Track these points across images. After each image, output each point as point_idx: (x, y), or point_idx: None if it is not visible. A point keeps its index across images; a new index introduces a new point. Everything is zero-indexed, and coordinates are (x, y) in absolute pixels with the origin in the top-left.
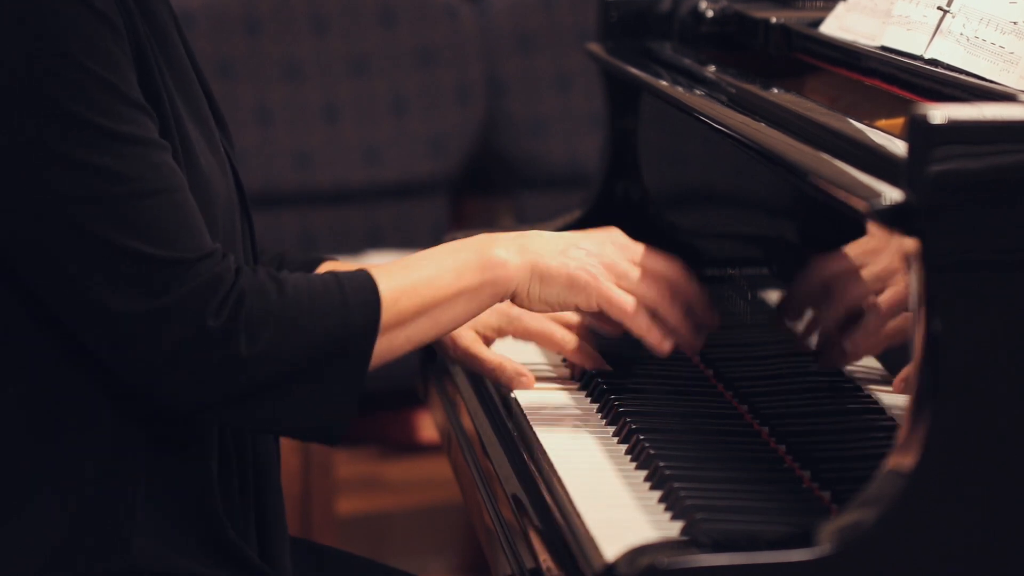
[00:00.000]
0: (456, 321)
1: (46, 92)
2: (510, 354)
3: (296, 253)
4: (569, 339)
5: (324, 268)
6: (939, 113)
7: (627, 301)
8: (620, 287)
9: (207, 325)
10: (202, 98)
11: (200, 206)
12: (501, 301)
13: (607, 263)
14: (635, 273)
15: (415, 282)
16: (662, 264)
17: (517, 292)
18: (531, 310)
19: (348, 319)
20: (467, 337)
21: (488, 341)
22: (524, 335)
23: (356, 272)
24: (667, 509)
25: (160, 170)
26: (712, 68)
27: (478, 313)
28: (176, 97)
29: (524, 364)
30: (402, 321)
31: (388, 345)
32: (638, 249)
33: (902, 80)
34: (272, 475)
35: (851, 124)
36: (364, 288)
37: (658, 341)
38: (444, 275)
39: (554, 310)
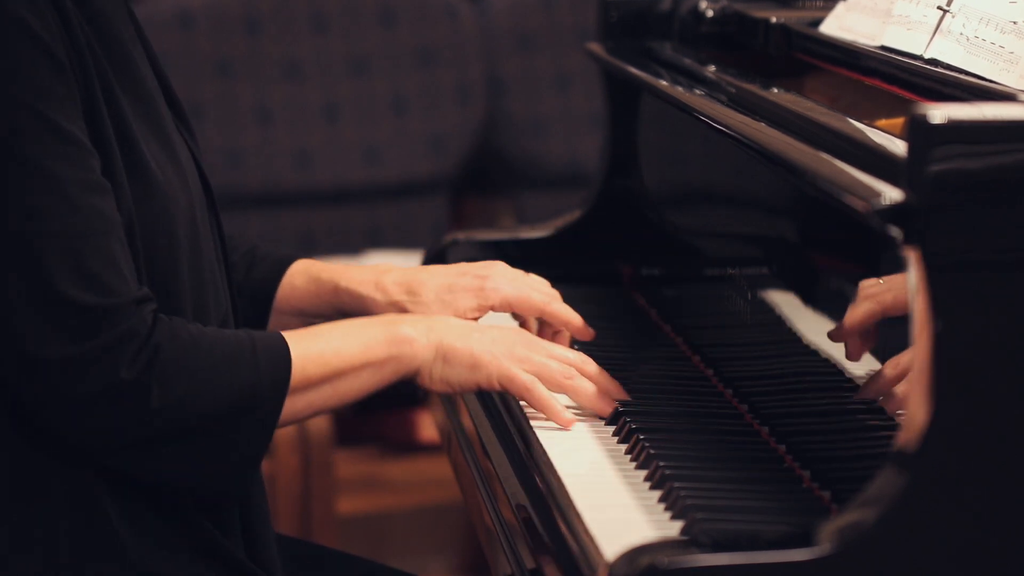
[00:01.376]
0: (356, 393)
1: None
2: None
3: (268, 249)
4: (550, 297)
5: (294, 271)
6: (939, 113)
7: (526, 378)
8: (523, 369)
9: (120, 377)
10: (158, 106)
11: (157, 223)
12: (403, 379)
13: (508, 347)
14: (537, 357)
15: (324, 350)
16: (566, 356)
17: (420, 370)
18: (432, 390)
19: (258, 379)
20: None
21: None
22: (503, 306)
23: (270, 333)
24: (667, 509)
25: (86, 213)
26: (712, 68)
27: (380, 387)
28: (128, 110)
29: None
30: (307, 386)
31: (291, 408)
32: (543, 342)
33: (902, 80)
34: (255, 476)
35: (851, 124)
36: (277, 350)
37: (558, 416)
38: (352, 347)
39: (454, 391)
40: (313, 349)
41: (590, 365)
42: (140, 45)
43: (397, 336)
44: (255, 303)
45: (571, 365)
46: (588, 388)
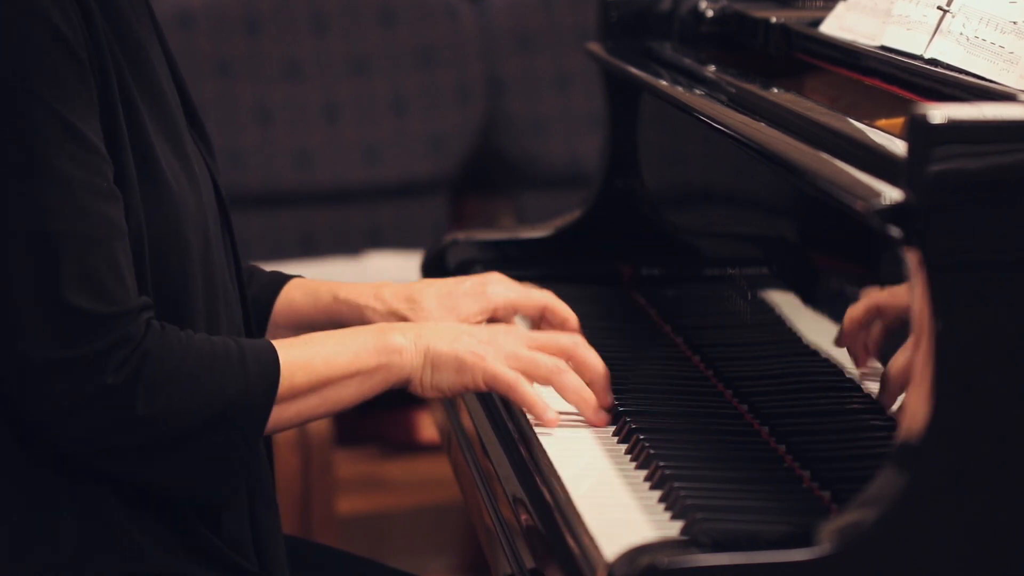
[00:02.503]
0: (347, 401)
1: None
2: None
3: (263, 273)
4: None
5: (291, 287)
6: (939, 113)
7: (510, 376)
8: (509, 366)
9: (106, 382)
10: (175, 113)
11: (168, 230)
12: (394, 387)
13: (496, 345)
14: (524, 352)
15: (313, 359)
16: (557, 344)
17: (411, 379)
18: (425, 397)
19: (247, 387)
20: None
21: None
22: (507, 306)
23: (259, 341)
24: (667, 509)
25: (94, 218)
26: (712, 68)
27: (368, 397)
28: (145, 115)
29: None
30: (295, 395)
31: (278, 416)
32: (532, 334)
33: (902, 80)
34: (265, 479)
35: (851, 124)
36: (266, 358)
37: (542, 412)
38: (342, 355)
39: (447, 395)
40: (302, 357)
41: (582, 349)
42: (159, 46)
43: (387, 345)
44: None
45: (563, 351)
46: (574, 383)
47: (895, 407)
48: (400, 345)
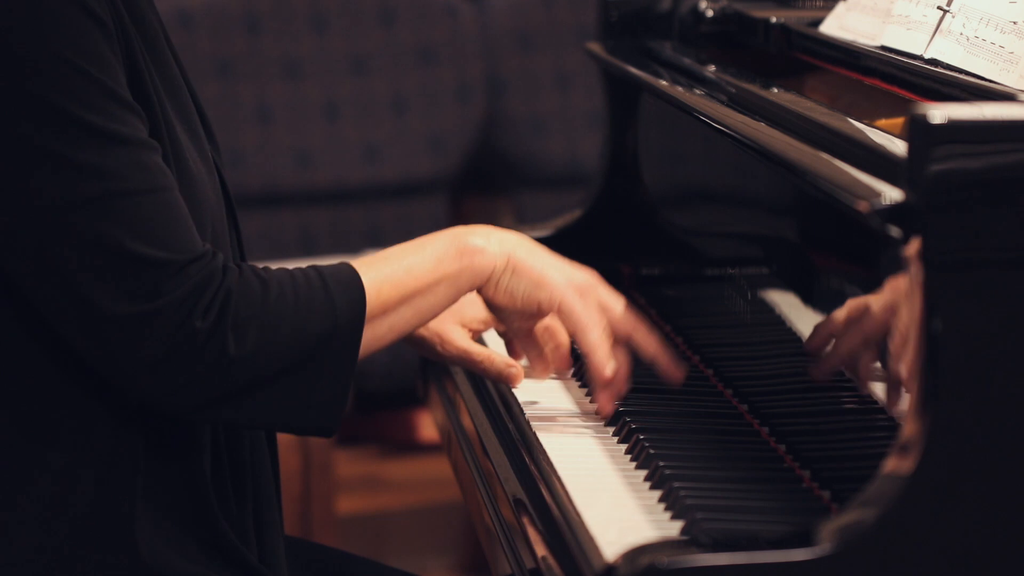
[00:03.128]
0: (436, 309)
1: (36, 90)
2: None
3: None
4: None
5: None
6: (939, 113)
7: (584, 316)
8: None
9: (195, 327)
10: (191, 105)
11: (190, 207)
12: (479, 287)
13: (575, 279)
14: (593, 301)
15: (396, 271)
16: (622, 307)
17: (490, 279)
18: (493, 302)
19: (334, 312)
20: (455, 333)
21: (476, 335)
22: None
23: (339, 265)
24: (667, 509)
25: (150, 170)
26: (712, 68)
27: (457, 299)
28: (165, 101)
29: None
30: (385, 311)
31: (372, 335)
32: (608, 289)
33: (902, 80)
34: (267, 478)
35: (851, 124)
36: (348, 281)
37: (600, 361)
38: (424, 264)
39: (515, 305)
40: (384, 272)
41: (641, 332)
42: (171, 54)
43: (467, 247)
44: None
45: (623, 329)
46: (612, 364)
47: (895, 407)
48: (480, 246)
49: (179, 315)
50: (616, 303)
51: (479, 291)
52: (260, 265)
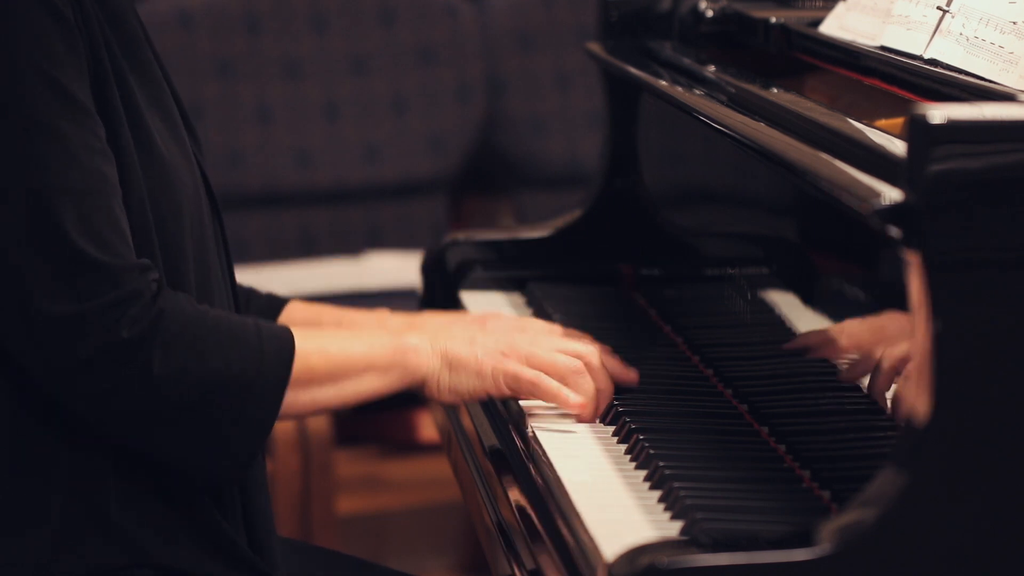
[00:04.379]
0: (361, 396)
1: None
2: None
3: (260, 296)
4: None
5: (291, 309)
6: (939, 113)
7: (531, 374)
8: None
9: (121, 336)
10: (164, 87)
11: (162, 192)
12: (409, 388)
13: (512, 347)
14: (542, 353)
15: (329, 347)
16: (575, 348)
17: (427, 380)
18: (441, 401)
19: (261, 363)
20: None
21: None
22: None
23: (276, 324)
24: (667, 509)
25: (96, 174)
26: (712, 68)
27: (384, 394)
28: (135, 86)
29: None
30: (311, 380)
31: (292, 400)
32: (545, 328)
33: (902, 80)
34: (257, 475)
35: (851, 124)
36: (281, 338)
37: (566, 401)
38: (357, 347)
39: (463, 400)
40: (318, 343)
41: (596, 357)
42: (148, 45)
43: (403, 344)
44: None
45: (579, 355)
46: (587, 388)
47: (895, 407)
48: (415, 345)
49: (105, 321)
50: (563, 344)
51: (424, 392)
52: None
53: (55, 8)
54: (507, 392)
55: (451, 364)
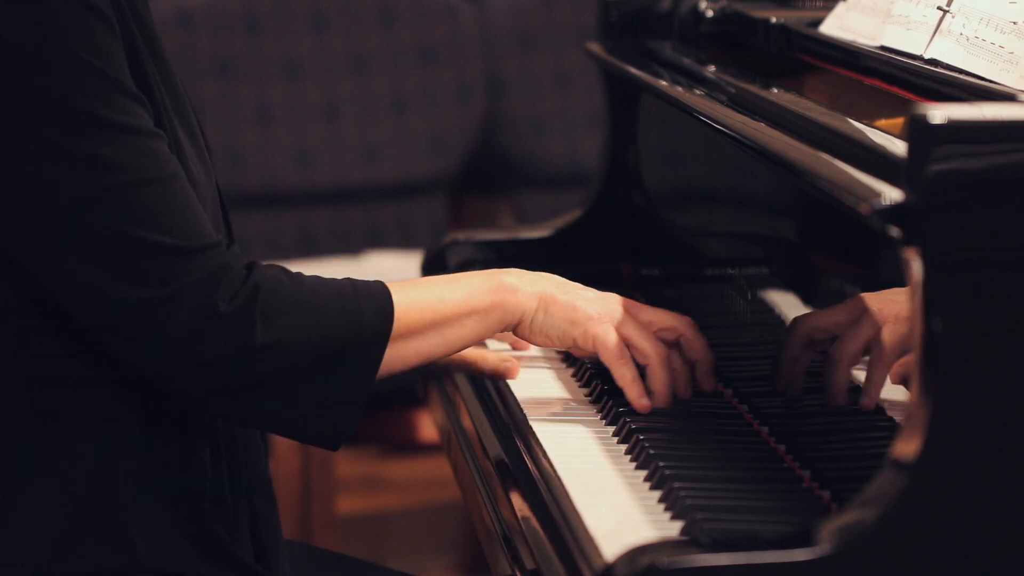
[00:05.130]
0: (464, 340)
1: (42, 84)
2: None
3: None
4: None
5: None
6: (939, 113)
7: (618, 350)
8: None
9: (219, 310)
10: (189, 106)
11: None
12: (507, 328)
13: (610, 310)
14: (634, 329)
15: (427, 298)
16: (670, 321)
17: (523, 320)
18: (530, 342)
19: (361, 322)
20: None
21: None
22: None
23: (371, 282)
24: (667, 509)
25: (159, 159)
26: (712, 68)
27: (486, 336)
28: (166, 97)
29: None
30: (412, 333)
31: (398, 355)
32: (644, 308)
33: (902, 80)
34: (263, 481)
35: (851, 124)
36: (378, 295)
37: (636, 396)
38: (455, 295)
39: (552, 344)
40: (416, 296)
41: (692, 329)
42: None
43: (501, 284)
44: None
45: (673, 329)
46: (663, 377)
47: (894, 407)
48: (514, 285)
49: (199, 297)
50: (656, 317)
51: (514, 331)
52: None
53: (102, 13)
54: (591, 350)
55: (548, 306)
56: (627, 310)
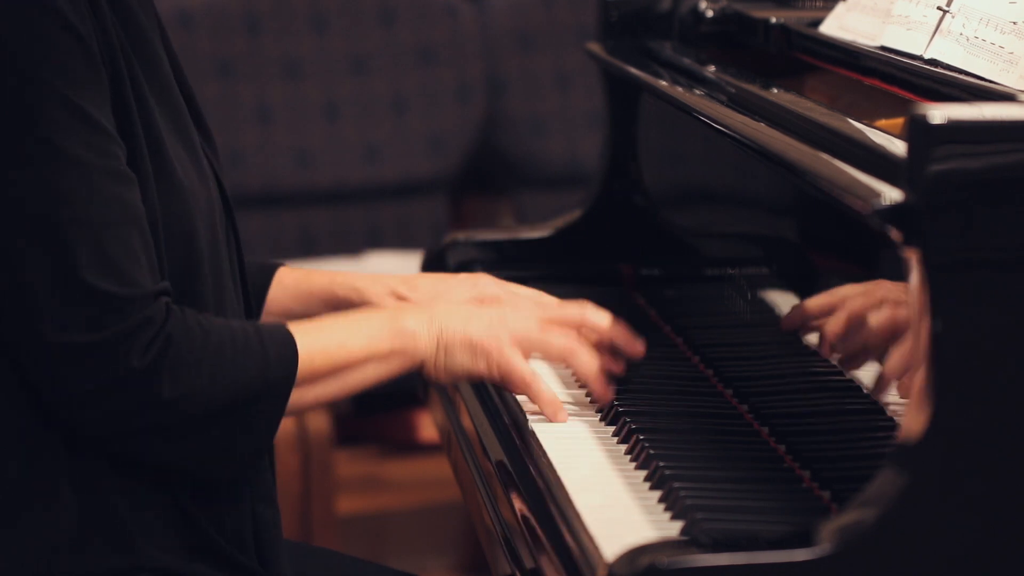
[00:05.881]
0: (365, 384)
1: (10, 111)
2: None
3: (251, 263)
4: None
5: (282, 273)
6: (939, 113)
7: (526, 373)
8: (523, 352)
9: (132, 366)
10: (183, 108)
11: (178, 218)
12: (409, 371)
13: (508, 329)
14: (535, 334)
15: (328, 343)
16: (564, 315)
17: (425, 363)
18: (439, 381)
19: (267, 371)
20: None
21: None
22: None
23: (277, 326)
24: (667, 509)
25: (115, 203)
26: (712, 68)
27: (389, 377)
28: (155, 109)
29: None
30: (314, 379)
31: (298, 400)
32: (534, 307)
33: (902, 80)
34: (267, 486)
35: (851, 124)
36: (284, 343)
37: (552, 414)
38: (357, 340)
39: (460, 380)
40: (319, 342)
41: (591, 315)
42: (163, 45)
43: (401, 329)
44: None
45: (573, 323)
46: (586, 363)
47: (894, 407)
48: (413, 329)
49: (118, 351)
50: (552, 316)
51: (422, 374)
52: (201, 314)
53: (76, 30)
54: (499, 379)
55: (447, 346)
56: (523, 322)
